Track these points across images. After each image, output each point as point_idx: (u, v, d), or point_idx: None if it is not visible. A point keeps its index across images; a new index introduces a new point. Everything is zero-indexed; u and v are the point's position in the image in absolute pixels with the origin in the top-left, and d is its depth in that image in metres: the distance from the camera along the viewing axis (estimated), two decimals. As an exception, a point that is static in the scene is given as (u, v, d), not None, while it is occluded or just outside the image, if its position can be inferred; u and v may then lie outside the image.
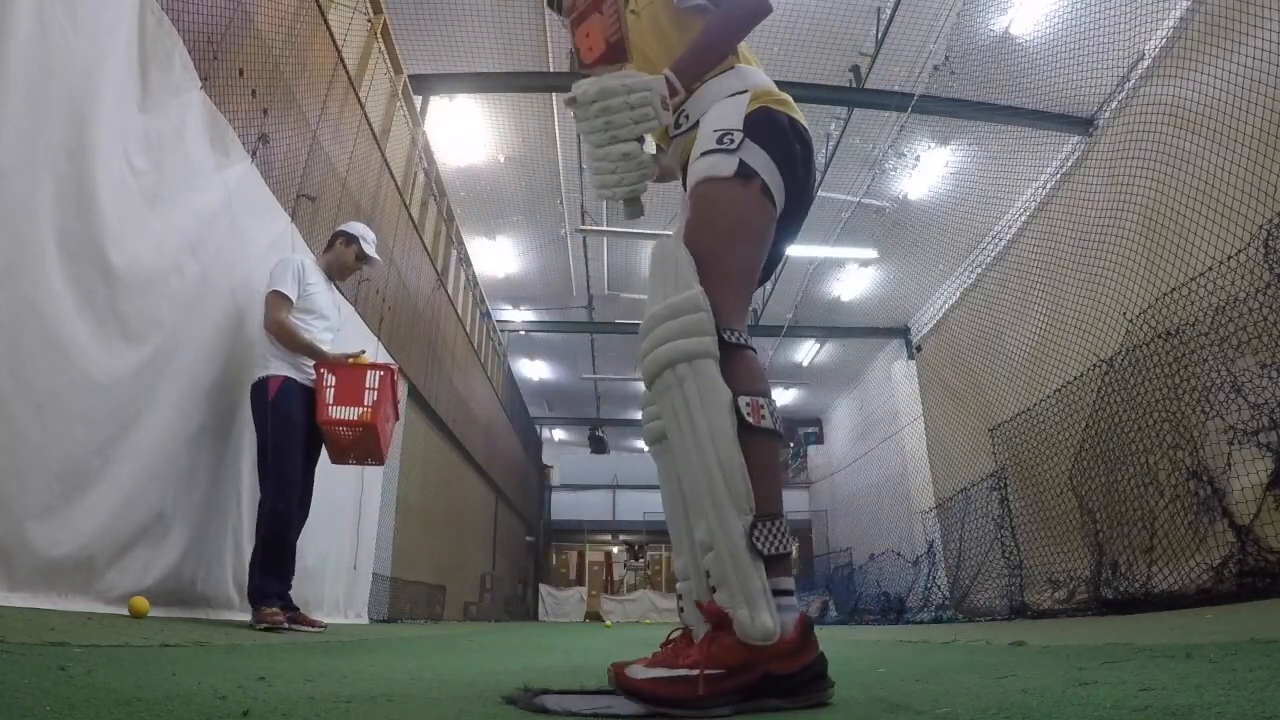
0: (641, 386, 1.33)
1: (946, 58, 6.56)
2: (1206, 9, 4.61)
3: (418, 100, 6.87)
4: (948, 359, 8.33)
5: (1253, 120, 4.09)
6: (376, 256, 3.58)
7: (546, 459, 19.92)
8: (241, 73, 3.40)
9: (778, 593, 1.10)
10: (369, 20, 5.46)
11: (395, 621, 6.08)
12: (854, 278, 11.41)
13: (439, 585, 8.27)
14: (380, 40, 5.71)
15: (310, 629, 3.15)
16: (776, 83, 1.43)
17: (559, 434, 22.28)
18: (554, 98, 7.59)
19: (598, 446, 19.90)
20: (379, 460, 3.49)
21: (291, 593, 3.21)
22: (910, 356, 11.39)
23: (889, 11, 6.47)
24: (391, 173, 5.95)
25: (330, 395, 3.21)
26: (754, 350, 1.24)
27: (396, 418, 3.50)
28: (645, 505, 17.81)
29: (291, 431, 3.10)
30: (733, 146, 1.28)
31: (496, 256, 10.95)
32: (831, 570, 15.02)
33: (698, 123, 1.36)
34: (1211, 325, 4.21)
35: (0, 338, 1.97)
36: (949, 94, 6.91)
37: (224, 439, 3.20)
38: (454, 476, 9.17)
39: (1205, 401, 4.23)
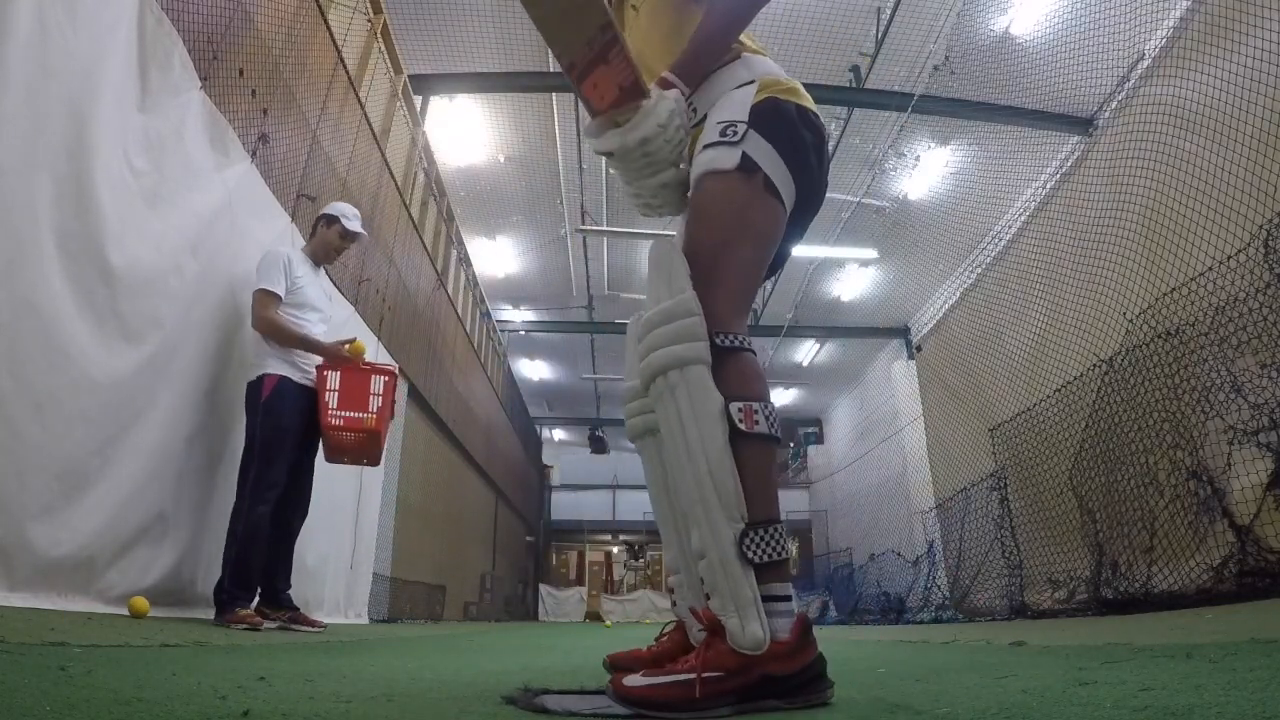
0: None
1: (946, 58, 6.56)
2: (1206, 9, 4.61)
3: (418, 100, 6.87)
4: (948, 359, 8.33)
5: (1252, 120, 4.09)
6: (361, 230, 3.47)
7: (546, 459, 19.92)
8: (241, 73, 3.40)
9: (773, 599, 1.09)
10: (369, 20, 5.46)
11: (395, 621, 6.08)
12: (854, 278, 11.41)
13: (439, 585, 8.27)
14: (380, 40, 5.71)
15: (310, 629, 3.15)
16: None
17: (559, 434, 22.28)
18: (554, 98, 7.59)
19: (598, 446, 19.89)
20: (374, 462, 3.49)
21: (291, 592, 3.21)
22: (910, 356, 11.39)
23: (889, 11, 6.46)
24: (391, 173, 5.95)
25: (333, 399, 3.17)
26: (753, 352, 1.22)
27: (391, 416, 3.50)
28: (645, 505, 17.54)
29: (281, 435, 3.03)
30: (735, 139, 1.24)
31: (496, 256, 10.95)
32: (831, 570, 15.01)
33: (706, 116, 1.33)
34: (1211, 325, 4.21)
35: (0, 338, 1.97)
36: (949, 94, 6.91)
37: (224, 439, 3.20)
38: (454, 476, 9.17)
39: (1205, 401, 4.23)
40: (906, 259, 10.31)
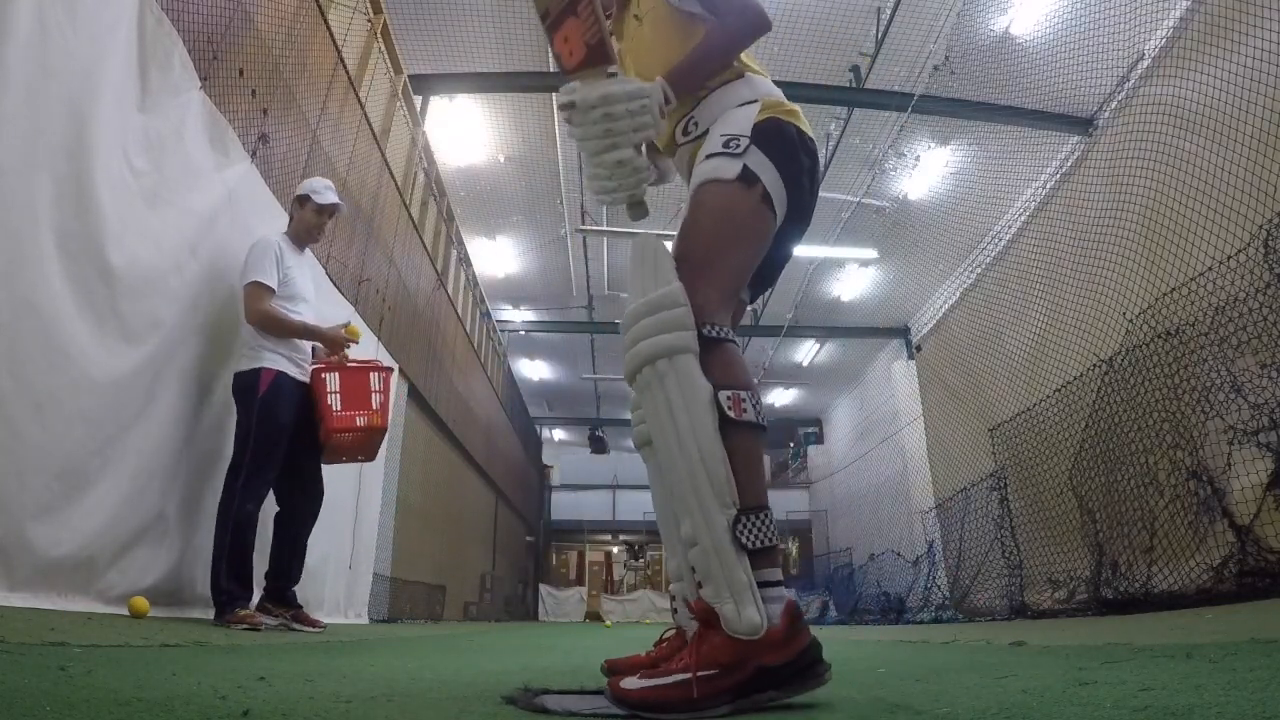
0: (637, 387, 1.32)
1: (946, 58, 6.56)
2: (1206, 9, 4.61)
3: (418, 100, 6.87)
4: (948, 359, 8.33)
5: (1252, 120, 4.09)
6: (334, 200, 3.31)
7: (546, 459, 19.92)
8: (241, 73, 3.39)
9: (765, 584, 1.10)
10: (369, 20, 5.46)
11: (395, 621, 6.08)
12: (854, 278, 11.41)
13: (439, 585, 8.27)
14: (380, 40, 5.71)
15: (310, 629, 3.15)
16: (776, 83, 1.44)
17: (559, 434, 22.29)
18: (554, 98, 7.53)
19: (598, 446, 19.90)
20: (371, 458, 3.48)
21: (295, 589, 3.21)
22: (910, 356, 11.39)
23: (889, 11, 6.46)
24: (391, 173, 5.95)
25: (336, 401, 3.15)
26: (735, 343, 1.25)
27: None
28: (645, 505, 17.66)
29: (277, 434, 2.98)
30: (738, 151, 1.28)
31: (496, 256, 10.95)
32: (831, 570, 15.02)
33: (707, 131, 1.37)
34: (1211, 325, 4.21)
35: (0, 338, 1.97)
36: (949, 94, 6.91)
37: (224, 439, 3.19)
38: (454, 476, 9.17)
39: (1205, 401, 4.23)
40: (906, 259, 10.31)
